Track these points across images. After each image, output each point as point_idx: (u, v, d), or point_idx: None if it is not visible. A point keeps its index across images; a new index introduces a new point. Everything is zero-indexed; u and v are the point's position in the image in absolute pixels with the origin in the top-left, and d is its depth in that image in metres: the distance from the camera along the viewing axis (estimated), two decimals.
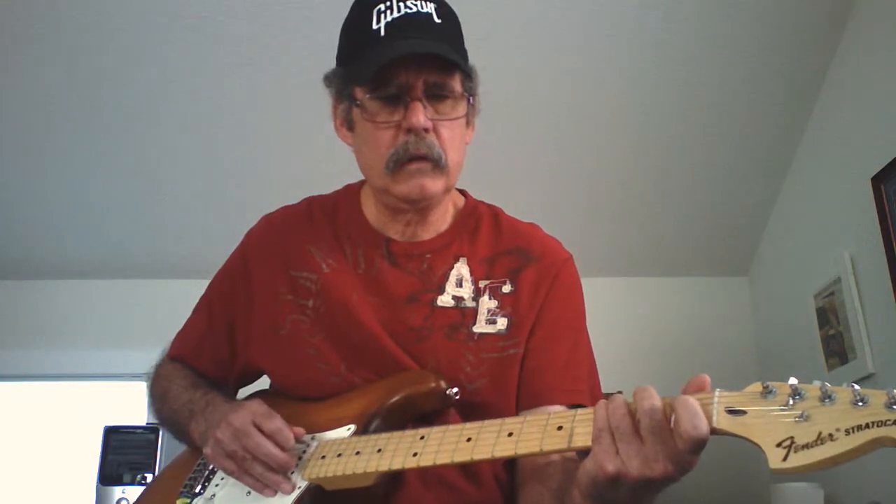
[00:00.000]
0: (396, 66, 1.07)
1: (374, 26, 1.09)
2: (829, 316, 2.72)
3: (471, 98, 1.15)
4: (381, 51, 1.07)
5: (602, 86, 2.76)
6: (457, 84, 1.12)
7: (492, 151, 2.86)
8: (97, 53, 2.57)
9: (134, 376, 3.18)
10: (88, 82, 2.65)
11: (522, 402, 1.11)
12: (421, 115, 1.07)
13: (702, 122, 2.88)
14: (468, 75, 1.14)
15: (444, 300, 1.15)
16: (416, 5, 1.10)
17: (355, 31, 1.14)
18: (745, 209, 3.20)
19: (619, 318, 3.30)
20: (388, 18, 1.09)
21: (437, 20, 1.11)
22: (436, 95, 1.10)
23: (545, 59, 2.67)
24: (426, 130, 1.08)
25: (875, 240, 2.41)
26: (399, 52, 1.06)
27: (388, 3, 1.10)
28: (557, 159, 3.01)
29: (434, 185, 1.11)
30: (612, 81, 2.75)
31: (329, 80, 1.18)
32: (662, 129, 2.91)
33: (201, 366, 1.30)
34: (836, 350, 2.67)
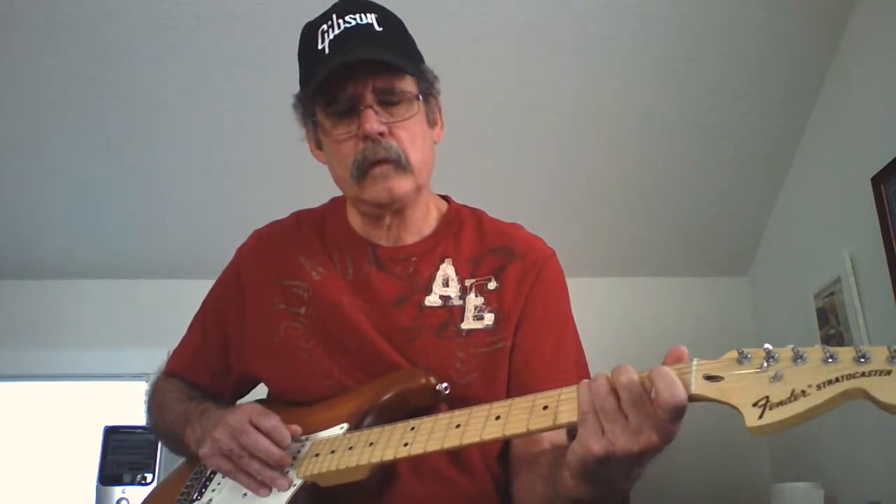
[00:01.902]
0: (344, 80, 1.11)
1: (320, 46, 1.14)
2: (829, 316, 2.72)
3: (421, 97, 1.17)
4: (323, 68, 1.11)
5: (602, 85, 2.76)
6: (408, 86, 1.15)
7: (491, 152, 2.86)
8: (98, 54, 2.57)
9: (134, 376, 3.19)
10: (89, 82, 2.66)
11: (512, 394, 1.12)
12: (373, 121, 1.11)
13: (701, 123, 2.88)
14: (419, 75, 1.17)
15: (432, 300, 1.18)
16: (354, 19, 1.14)
17: (305, 54, 1.19)
18: (745, 209, 3.20)
19: (619, 319, 3.30)
20: (331, 36, 1.13)
21: (377, 28, 1.14)
22: (387, 101, 1.13)
23: (544, 60, 2.67)
24: (381, 135, 1.11)
25: (875, 240, 2.41)
26: (335, 64, 1.10)
27: (329, 23, 1.15)
28: (557, 160, 3.01)
29: (401, 185, 1.14)
30: (612, 81, 2.75)
31: (295, 105, 1.24)
32: (662, 129, 2.91)
33: (197, 379, 1.33)
34: None
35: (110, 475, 2.69)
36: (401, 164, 1.13)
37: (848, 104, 2.63)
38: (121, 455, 2.72)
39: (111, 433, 2.76)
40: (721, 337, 3.30)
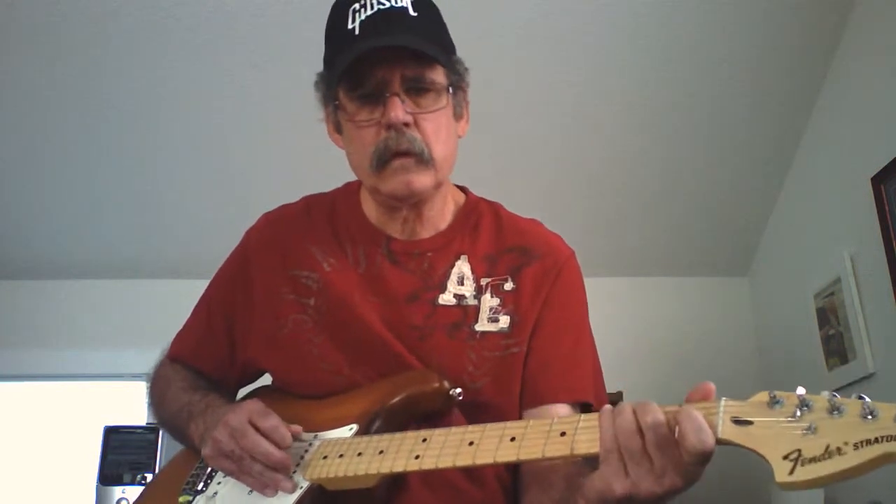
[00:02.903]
0: (372, 64, 1.06)
1: (350, 26, 1.08)
2: (829, 316, 2.72)
3: (451, 89, 1.12)
4: (353, 49, 1.06)
5: (603, 85, 2.76)
6: (438, 76, 1.10)
7: (491, 151, 2.86)
8: (98, 54, 2.57)
9: (134, 376, 3.18)
10: (89, 82, 2.65)
11: (526, 400, 1.10)
12: (399, 110, 1.06)
13: (702, 122, 2.88)
14: (451, 66, 1.13)
15: (446, 298, 1.13)
16: (389, 1, 1.08)
17: (334, 32, 1.13)
18: (745, 209, 3.20)
19: (619, 318, 3.30)
20: (363, 17, 1.08)
21: (412, 13, 1.08)
22: (415, 89, 1.08)
23: (546, 59, 2.67)
24: (406, 125, 1.07)
25: (875, 240, 2.41)
26: (365, 48, 1.05)
27: (362, 2, 1.09)
28: (558, 159, 3.01)
29: (420, 180, 1.09)
30: (613, 81, 2.75)
31: (317, 84, 1.17)
32: (663, 129, 2.91)
33: (201, 365, 1.29)
34: (836, 350, 2.67)
35: (110, 475, 2.69)
36: (423, 159, 1.08)
37: (848, 104, 2.63)
38: (121, 455, 2.72)
39: (111, 433, 2.75)
40: (721, 337, 3.30)
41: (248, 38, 2.55)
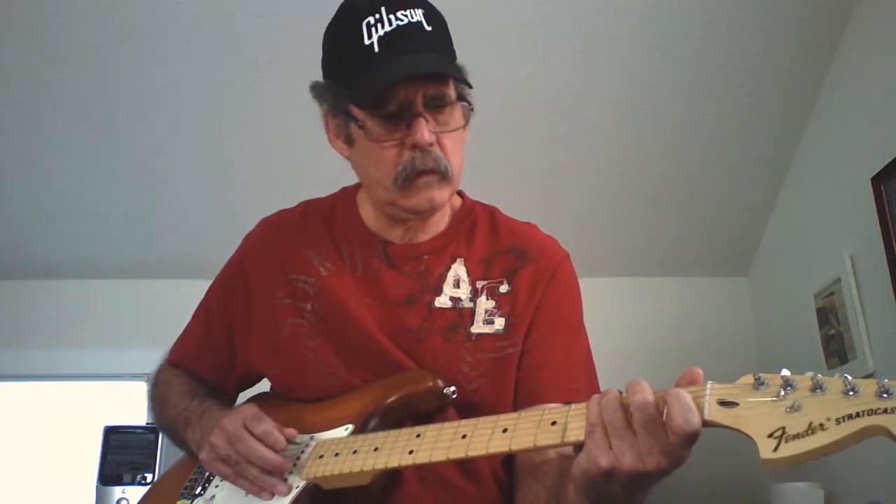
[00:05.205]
0: (395, 83, 1.06)
1: (367, 42, 1.06)
2: (829, 316, 2.72)
3: (469, 105, 1.14)
4: (378, 70, 1.06)
5: (602, 85, 2.76)
6: (452, 90, 1.12)
7: (491, 152, 2.86)
8: (98, 54, 2.57)
9: (134, 376, 3.19)
10: (88, 82, 2.66)
11: (520, 401, 1.12)
12: (426, 132, 1.07)
13: (702, 122, 2.88)
14: (463, 79, 1.14)
15: (442, 301, 1.15)
16: (406, 16, 1.08)
17: (346, 45, 1.10)
18: (745, 209, 3.20)
19: (619, 318, 3.30)
20: (381, 33, 1.06)
21: (427, 28, 1.09)
22: (434, 106, 1.10)
23: (544, 59, 2.68)
24: (431, 145, 1.08)
25: (875, 240, 2.41)
26: (401, 74, 1.05)
27: (377, 16, 1.07)
28: (557, 159, 3.01)
29: (441, 195, 1.12)
30: (612, 81, 2.75)
31: (319, 93, 1.16)
32: (662, 129, 2.91)
33: (200, 371, 1.31)
34: (836, 350, 2.67)
35: (110, 475, 2.69)
36: (446, 176, 1.11)
37: (848, 104, 2.63)
38: (121, 455, 2.72)
39: (111, 433, 2.76)
40: (721, 337, 3.30)
41: (247, 38, 2.55)
